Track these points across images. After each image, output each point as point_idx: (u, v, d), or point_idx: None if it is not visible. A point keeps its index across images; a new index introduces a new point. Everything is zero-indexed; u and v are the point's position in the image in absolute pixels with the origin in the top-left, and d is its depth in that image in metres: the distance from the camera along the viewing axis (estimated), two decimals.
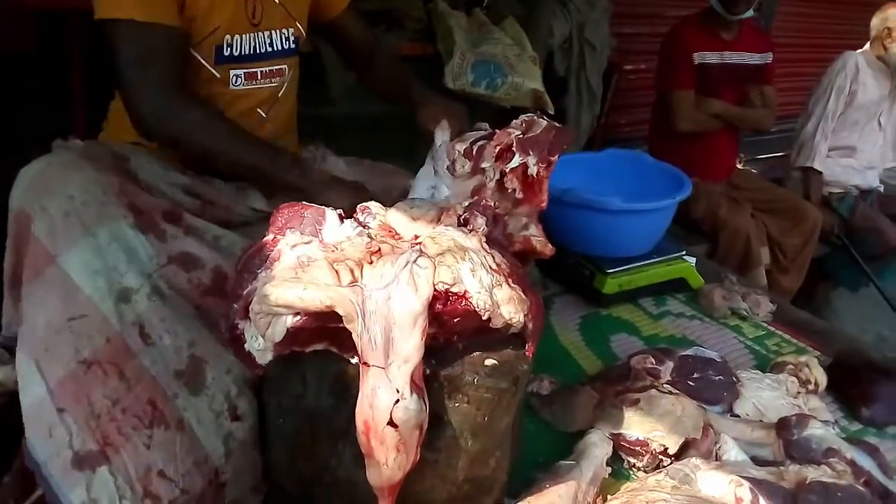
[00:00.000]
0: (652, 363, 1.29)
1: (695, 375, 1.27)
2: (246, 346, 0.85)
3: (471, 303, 0.81)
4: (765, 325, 1.67)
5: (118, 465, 0.85)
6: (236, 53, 1.26)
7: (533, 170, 1.01)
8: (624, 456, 1.13)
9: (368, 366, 0.76)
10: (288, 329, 0.80)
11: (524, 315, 0.86)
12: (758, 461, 1.10)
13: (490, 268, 0.85)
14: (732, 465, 1.05)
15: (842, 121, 3.29)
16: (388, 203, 0.99)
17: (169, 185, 1.14)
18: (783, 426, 1.13)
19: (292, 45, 1.36)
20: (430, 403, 0.79)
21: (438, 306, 0.80)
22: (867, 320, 3.36)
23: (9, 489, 0.90)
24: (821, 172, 3.26)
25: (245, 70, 1.28)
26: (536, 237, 1.07)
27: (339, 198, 1.15)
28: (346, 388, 0.83)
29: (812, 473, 1.00)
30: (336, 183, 1.24)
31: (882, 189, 3.52)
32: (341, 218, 0.91)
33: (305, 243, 0.86)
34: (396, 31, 2.65)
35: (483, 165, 1.02)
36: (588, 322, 1.62)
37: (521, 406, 0.94)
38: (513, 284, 0.86)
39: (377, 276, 0.79)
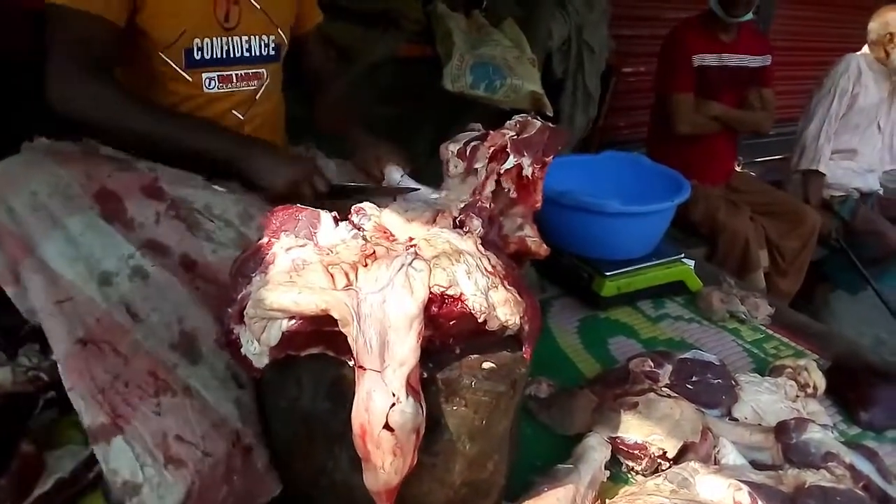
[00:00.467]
0: (650, 366, 1.28)
1: (693, 379, 1.26)
2: (242, 349, 0.85)
3: (467, 305, 0.80)
4: (763, 328, 1.67)
5: (132, 434, 0.84)
6: (207, 57, 1.26)
7: (528, 171, 1.01)
8: (622, 459, 1.12)
9: (364, 369, 0.75)
10: (283, 333, 0.79)
11: (520, 317, 0.86)
12: (756, 465, 1.10)
13: (486, 270, 0.85)
14: (731, 469, 1.05)
15: (843, 123, 3.29)
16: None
17: (142, 163, 1.14)
18: (782, 430, 1.13)
19: (272, 52, 1.37)
20: (427, 407, 0.78)
21: (434, 309, 0.79)
22: (866, 323, 3.36)
23: (5, 491, 0.90)
24: (823, 175, 3.26)
25: (218, 73, 1.29)
26: (531, 237, 1.07)
27: (282, 169, 1.15)
28: (342, 392, 0.82)
29: (811, 477, 1.00)
30: (275, 151, 1.23)
31: (881, 192, 3.52)
32: (336, 221, 0.91)
33: (300, 246, 0.85)
34: (395, 32, 2.64)
35: (476, 166, 1.02)
36: (586, 325, 1.62)
37: (518, 409, 0.94)
38: (508, 286, 0.86)
39: (372, 279, 0.79)
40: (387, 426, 0.74)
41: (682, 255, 1.78)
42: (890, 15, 3.19)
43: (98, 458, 0.84)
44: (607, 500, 1.02)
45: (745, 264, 2.78)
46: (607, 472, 1.07)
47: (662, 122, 2.90)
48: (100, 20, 1.13)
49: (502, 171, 1.04)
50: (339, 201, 1.13)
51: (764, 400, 1.25)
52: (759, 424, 1.20)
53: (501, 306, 0.83)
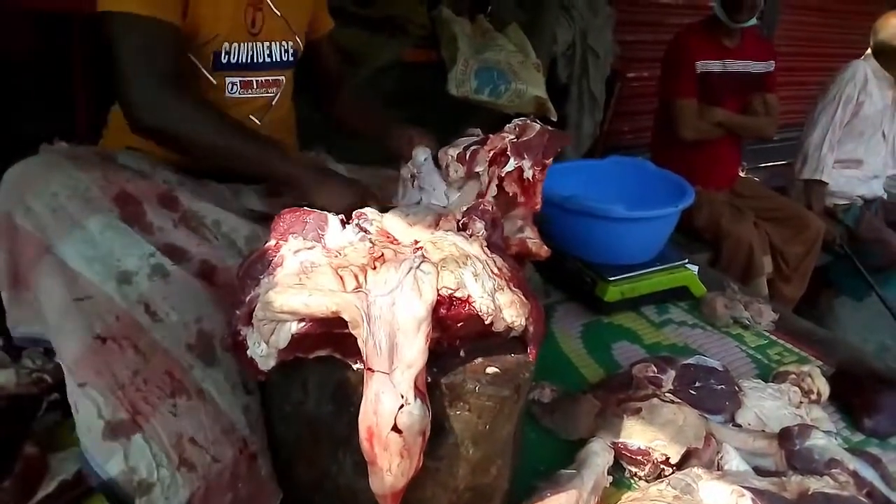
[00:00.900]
0: (654, 372, 1.28)
1: (697, 384, 1.26)
2: (248, 352, 0.85)
3: (474, 307, 0.81)
4: (767, 334, 1.67)
5: (151, 433, 0.85)
6: (234, 61, 1.27)
7: (528, 173, 1.01)
8: (625, 465, 1.12)
9: (373, 371, 0.76)
10: (293, 335, 0.80)
11: (525, 318, 0.87)
12: (760, 471, 1.10)
13: (492, 272, 0.86)
14: (734, 476, 1.05)
15: (847, 132, 3.25)
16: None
17: (161, 174, 1.14)
18: (785, 436, 1.13)
19: (290, 58, 1.38)
20: (431, 411, 0.78)
21: (442, 311, 0.80)
22: (870, 330, 3.36)
23: (9, 493, 0.90)
24: (825, 184, 3.24)
25: (241, 78, 1.30)
26: (532, 239, 1.07)
27: (336, 193, 1.15)
28: (346, 395, 0.82)
29: (814, 484, 1.00)
30: (333, 176, 1.23)
31: (885, 196, 3.51)
32: (343, 223, 0.91)
33: (308, 249, 0.86)
34: (400, 37, 2.65)
35: (477, 170, 1.03)
36: (590, 330, 1.62)
37: (522, 414, 0.94)
38: (514, 288, 0.87)
39: (381, 281, 0.79)
40: (395, 428, 0.74)
41: (686, 261, 1.78)
42: None
43: (116, 453, 0.83)
44: None
45: (749, 270, 2.77)
46: (610, 478, 1.07)
47: (666, 127, 2.90)
48: (169, 26, 1.12)
49: (503, 175, 1.04)
50: None
51: (767, 406, 1.25)
52: (763, 430, 1.20)
53: (508, 308, 0.84)
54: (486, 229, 0.96)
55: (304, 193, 1.16)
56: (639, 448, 1.10)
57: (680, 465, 1.09)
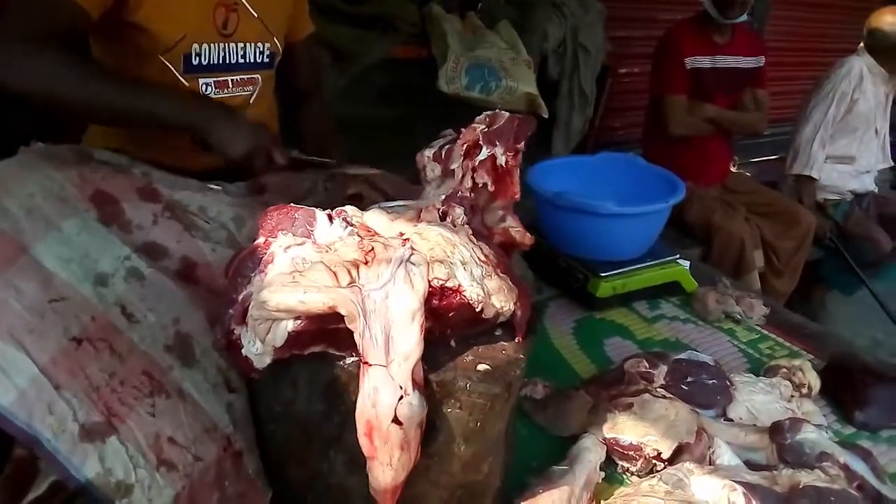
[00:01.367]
0: (646, 367, 1.28)
1: (688, 379, 1.26)
2: (243, 350, 0.85)
3: (465, 296, 0.82)
4: (758, 328, 1.67)
5: (126, 435, 0.84)
6: (205, 62, 1.26)
7: (501, 160, 1.01)
8: (617, 460, 1.12)
9: (369, 365, 0.76)
10: (289, 333, 0.80)
11: (514, 304, 0.88)
12: (751, 465, 1.10)
13: (479, 260, 0.87)
14: (726, 470, 1.05)
15: (841, 128, 3.25)
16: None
17: (140, 167, 1.13)
18: (776, 430, 1.13)
19: (266, 60, 1.38)
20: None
21: (434, 302, 0.81)
22: (861, 324, 3.38)
23: None
24: (815, 180, 3.24)
25: (215, 79, 1.29)
26: (514, 228, 1.07)
27: (239, 135, 1.15)
28: (337, 394, 0.82)
29: (805, 478, 1.00)
30: (236, 117, 1.21)
31: (877, 190, 3.53)
32: (330, 218, 0.91)
33: (298, 245, 0.85)
34: (390, 34, 2.65)
35: (452, 166, 1.03)
36: (582, 326, 1.62)
37: (514, 411, 0.94)
38: (501, 274, 0.88)
39: (374, 275, 0.79)
40: (395, 420, 0.74)
41: (678, 256, 1.78)
42: None
43: (91, 455, 0.82)
44: (602, 501, 1.02)
45: (741, 265, 2.79)
46: (602, 473, 1.07)
47: (657, 123, 2.91)
48: (70, 3, 1.09)
49: (477, 164, 1.05)
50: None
51: (759, 400, 1.25)
52: (754, 425, 1.20)
53: (496, 294, 0.85)
54: (465, 214, 0.97)
55: (207, 138, 1.15)
56: (631, 443, 1.10)
57: (672, 460, 1.09)
